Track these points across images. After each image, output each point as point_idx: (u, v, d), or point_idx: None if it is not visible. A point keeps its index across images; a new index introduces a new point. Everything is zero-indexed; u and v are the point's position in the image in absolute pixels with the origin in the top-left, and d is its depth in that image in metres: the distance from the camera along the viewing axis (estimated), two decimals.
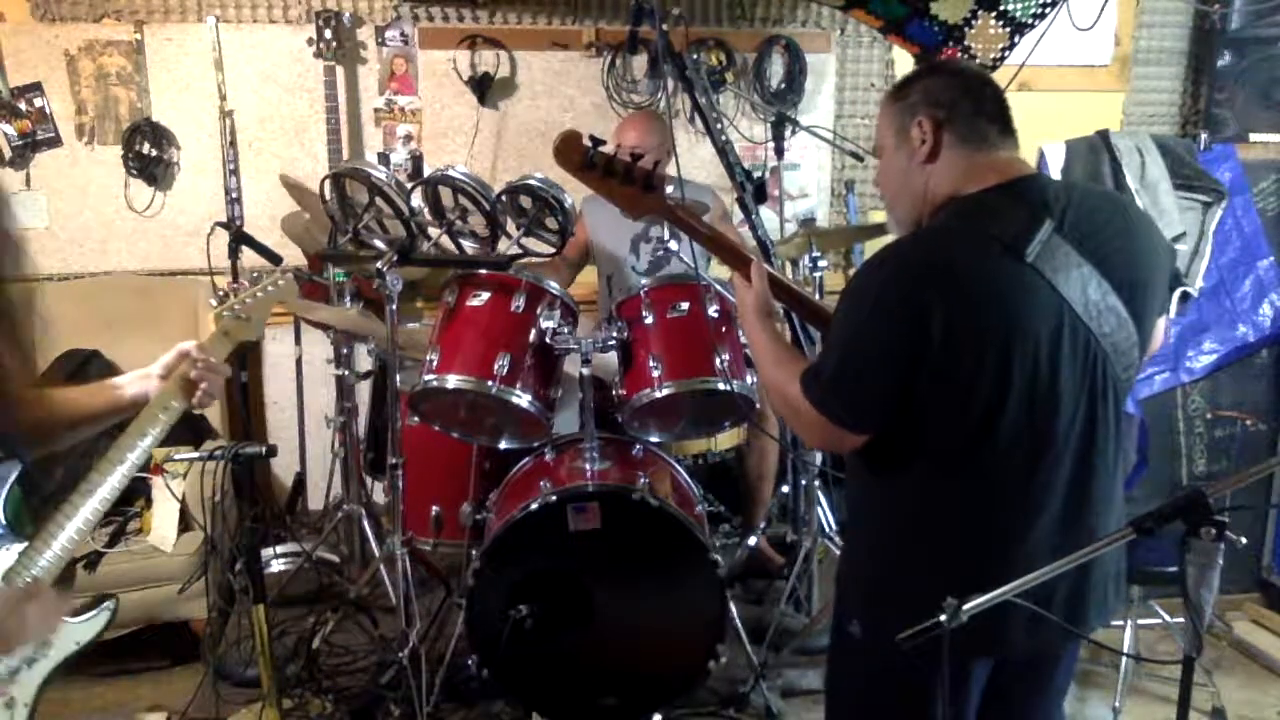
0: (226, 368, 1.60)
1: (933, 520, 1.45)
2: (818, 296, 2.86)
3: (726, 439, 3.05)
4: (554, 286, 2.57)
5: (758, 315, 1.62)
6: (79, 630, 1.48)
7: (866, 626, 1.54)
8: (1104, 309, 1.38)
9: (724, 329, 2.54)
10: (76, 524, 1.40)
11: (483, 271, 2.54)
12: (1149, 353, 1.58)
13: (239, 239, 3.20)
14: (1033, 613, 1.40)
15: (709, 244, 1.71)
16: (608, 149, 1.68)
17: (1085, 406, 1.40)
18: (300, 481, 3.72)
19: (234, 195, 3.60)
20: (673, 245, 2.73)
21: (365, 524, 3.17)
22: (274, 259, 3.22)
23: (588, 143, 1.64)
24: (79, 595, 2.76)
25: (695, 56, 3.77)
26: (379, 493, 3.47)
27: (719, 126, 2.25)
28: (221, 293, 1.67)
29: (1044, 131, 3.31)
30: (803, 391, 1.45)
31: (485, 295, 2.51)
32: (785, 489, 3.34)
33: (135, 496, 2.97)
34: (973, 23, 2.92)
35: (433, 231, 2.58)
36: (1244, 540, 1.22)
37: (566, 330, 2.54)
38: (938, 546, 1.46)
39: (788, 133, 3.60)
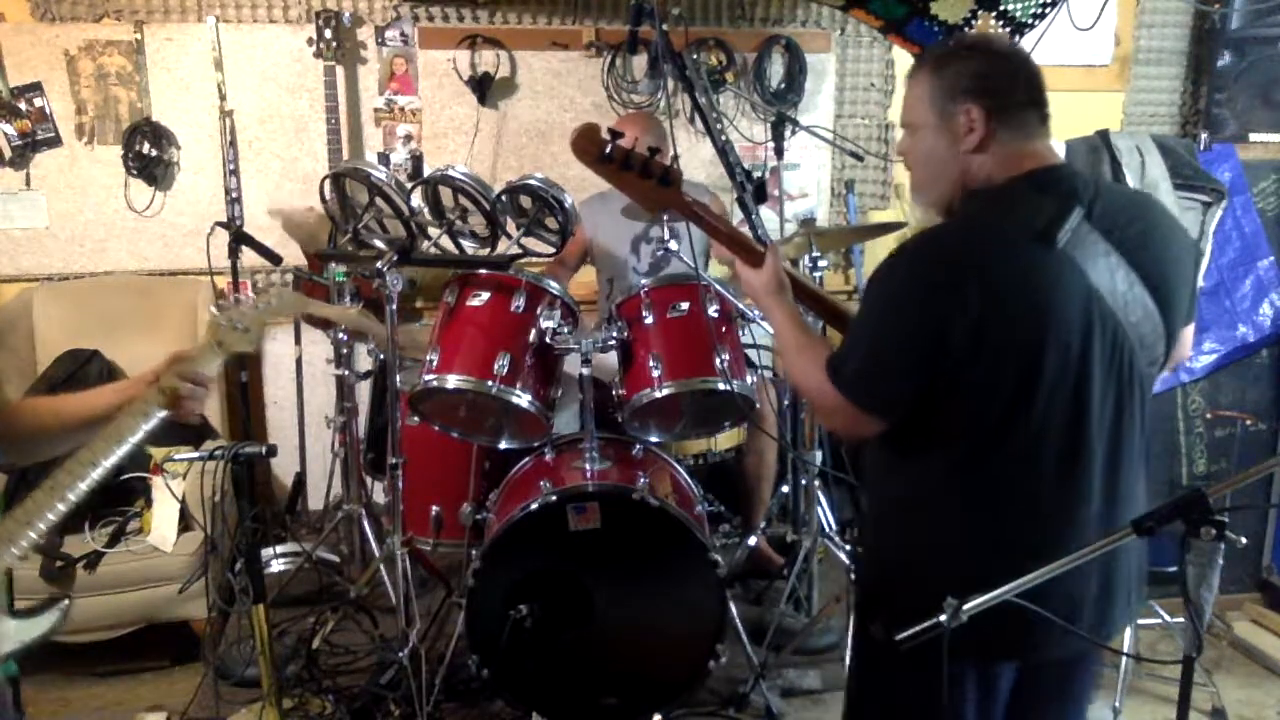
0: (213, 377, 1.57)
1: (967, 517, 1.43)
2: None
3: (726, 439, 3.05)
4: (554, 286, 2.57)
5: (772, 295, 1.61)
6: (23, 628, 1.45)
7: (891, 629, 1.52)
8: (1130, 299, 1.38)
9: (724, 329, 2.54)
10: (39, 525, 1.34)
11: (483, 271, 2.54)
12: (1175, 360, 1.56)
13: (239, 239, 3.20)
14: (1066, 616, 1.37)
15: (723, 239, 1.70)
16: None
17: (1114, 397, 1.39)
18: (300, 481, 3.71)
19: (234, 195, 3.60)
20: (673, 245, 2.73)
21: (365, 524, 3.17)
22: (274, 259, 3.22)
23: (605, 135, 1.63)
24: (80, 595, 2.77)
25: (695, 56, 3.77)
26: (379, 493, 3.47)
27: (719, 126, 2.25)
28: (221, 302, 1.64)
29: None
30: (829, 377, 1.44)
31: (485, 295, 2.51)
32: (785, 489, 3.34)
33: (135, 497, 2.97)
34: (973, 23, 2.92)
35: (433, 231, 2.58)
36: (1244, 540, 1.22)
37: (566, 330, 2.54)
38: (972, 546, 1.43)
39: (788, 133, 3.60)
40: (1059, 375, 1.35)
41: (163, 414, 1.47)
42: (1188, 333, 1.56)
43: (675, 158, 1.71)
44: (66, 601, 1.50)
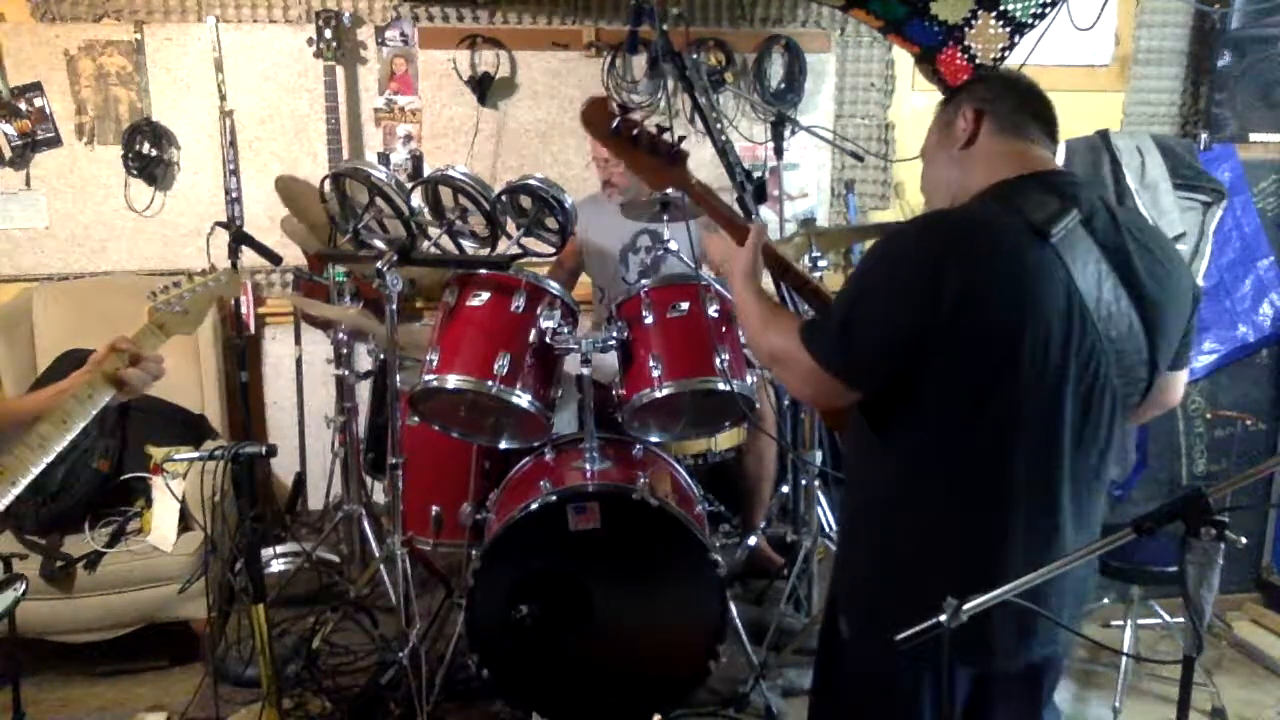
0: (158, 357, 1.60)
1: (929, 516, 1.43)
2: None
3: (726, 439, 3.05)
4: (554, 286, 2.58)
5: (746, 276, 1.62)
6: None
7: (855, 626, 1.53)
8: (1115, 312, 1.36)
9: (724, 329, 2.54)
10: None
11: (483, 271, 2.54)
12: (1159, 404, 1.55)
13: (239, 239, 3.20)
14: (1018, 626, 1.39)
15: (722, 220, 1.70)
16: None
17: (1080, 407, 1.37)
18: (300, 481, 3.72)
19: (234, 195, 3.60)
20: (672, 245, 2.74)
21: (365, 524, 3.17)
22: (274, 259, 3.22)
23: (614, 109, 1.63)
24: (80, 595, 2.77)
25: (695, 56, 3.77)
26: (379, 493, 3.47)
27: (719, 126, 2.25)
28: (158, 287, 1.68)
29: None
30: (803, 341, 1.43)
31: (485, 295, 2.51)
32: (785, 489, 3.34)
33: (135, 496, 2.97)
34: (973, 23, 2.92)
35: (433, 231, 2.58)
36: (1244, 540, 1.22)
37: (566, 330, 2.54)
38: (932, 545, 1.43)
39: (787, 133, 3.60)
40: (1033, 373, 1.33)
41: (109, 395, 1.53)
42: (1178, 379, 1.55)
43: (680, 139, 1.70)
44: (23, 585, 1.53)
